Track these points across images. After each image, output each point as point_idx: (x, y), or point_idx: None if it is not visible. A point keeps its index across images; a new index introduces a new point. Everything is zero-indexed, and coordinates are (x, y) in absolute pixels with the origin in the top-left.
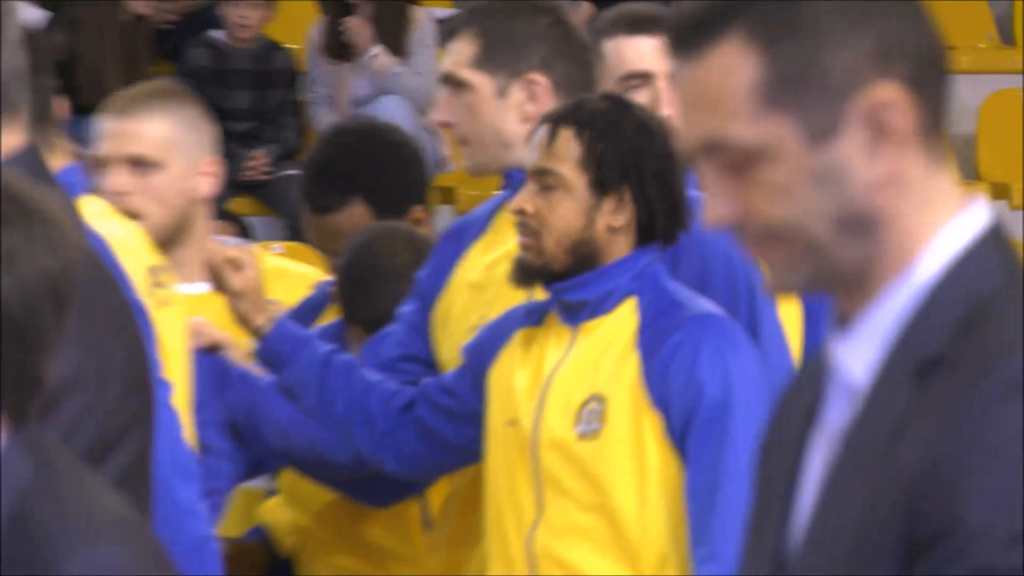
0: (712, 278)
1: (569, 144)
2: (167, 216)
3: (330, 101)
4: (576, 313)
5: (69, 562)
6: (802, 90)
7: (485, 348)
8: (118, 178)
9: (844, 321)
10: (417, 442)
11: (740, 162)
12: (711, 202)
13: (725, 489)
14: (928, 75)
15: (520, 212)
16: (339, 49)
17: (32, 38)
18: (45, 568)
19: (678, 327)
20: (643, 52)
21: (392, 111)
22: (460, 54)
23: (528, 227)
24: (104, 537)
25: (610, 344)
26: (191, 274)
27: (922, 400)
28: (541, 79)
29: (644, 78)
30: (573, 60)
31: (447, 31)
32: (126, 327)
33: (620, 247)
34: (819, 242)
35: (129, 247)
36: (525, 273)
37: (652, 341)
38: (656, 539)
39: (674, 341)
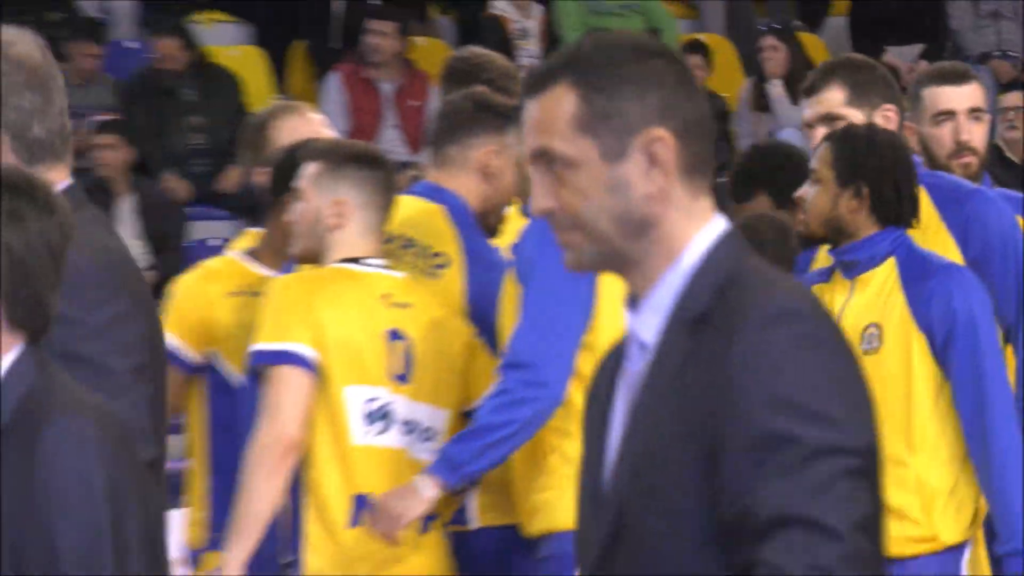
0: (991, 254)
1: (827, 153)
2: None
3: (750, 133)
4: (851, 269)
5: (49, 424)
6: (604, 124)
7: None
8: None
9: (634, 301)
10: None
11: (558, 168)
12: (536, 195)
13: (988, 388)
14: (692, 131)
15: (798, 199)
16: (758, 103)
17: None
18: (31, 429)
19: (933, 274)
20: (949, 96)
21: (790, 136)
22: (832, 98)
23: (801, 209)
24: (79, 412)
25: (880, 288)
26: None
27: (695, 346)
28: (890, 106)
29: (949, 115)
30: (895, 98)
31: (814, 82)
32: (147, 308)
33: (862, 223)
34: (606, 234)
35: None
36: (802, 241)
37: (914, 283)
38: (924, 424)
39: (932, 283)
